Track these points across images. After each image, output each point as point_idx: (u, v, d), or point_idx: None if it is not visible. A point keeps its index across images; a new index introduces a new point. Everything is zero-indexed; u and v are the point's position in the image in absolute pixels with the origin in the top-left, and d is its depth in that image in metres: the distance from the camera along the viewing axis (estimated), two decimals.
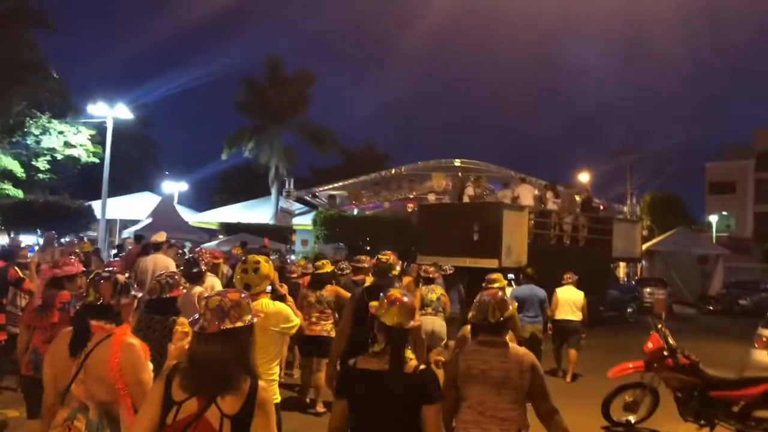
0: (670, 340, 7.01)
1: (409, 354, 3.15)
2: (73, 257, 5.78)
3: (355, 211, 28.10)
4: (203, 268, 6.13)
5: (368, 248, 25.63)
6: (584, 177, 31.88)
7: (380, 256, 5.43)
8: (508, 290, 9.36)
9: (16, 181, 31.17)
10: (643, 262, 28.05)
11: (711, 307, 23.93)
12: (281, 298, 4.43)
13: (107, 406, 3.05)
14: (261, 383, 2.42)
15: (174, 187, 47.39)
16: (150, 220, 23.61)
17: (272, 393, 2.68)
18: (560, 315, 9.96)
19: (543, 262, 15.19)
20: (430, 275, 8.99)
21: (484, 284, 6.72)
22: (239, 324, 2.36)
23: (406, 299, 3.14)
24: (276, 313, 3.99)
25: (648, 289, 22.10)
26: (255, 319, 2.44)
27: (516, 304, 3.99)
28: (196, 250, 7.55)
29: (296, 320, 4.13)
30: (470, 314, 3.69)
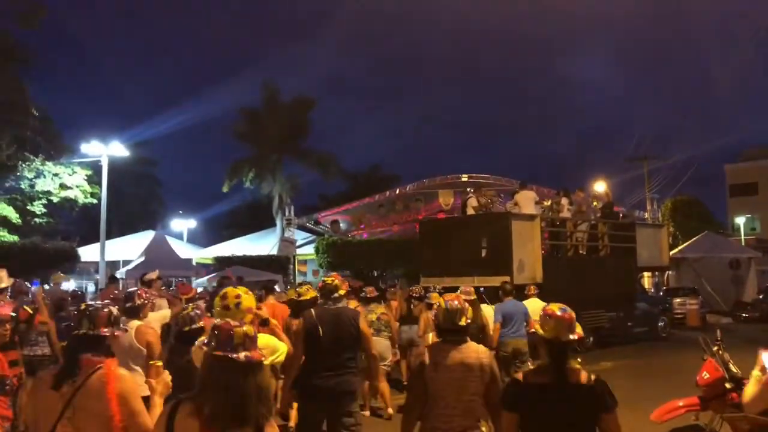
0: (733, 367, 5.32)
1: (575, 364, 3.22)
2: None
3: (365, 236, 26.83)
4: (139, 302, 5.68)
5: (375, 274, 24.33)
6: (600, 186, 30.39)
7: (325, 278, 5.44)
8: (487, 307, 9.10)
9: (11, 227, 30.24)
10: (670, 271, 26.44)
11: (746, 315, 22.13)
12: (265, 322, 4.82)
13: None
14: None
15: (183, 224, 46.71)
16: (143, 258, 22.56)
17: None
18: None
19: (560, 276, 13.81)
20: (368, 294, 9.76)
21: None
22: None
23: (560, 313, 3.24)
24: (264, 347, 3.45)
25: (678, 300, 20.48)
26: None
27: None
28: (132, 290, 6.55)
29: (282, 347, 4.29)
30: (439, 318, 3.99)
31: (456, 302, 3.96)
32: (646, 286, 25.02)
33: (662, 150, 34.00)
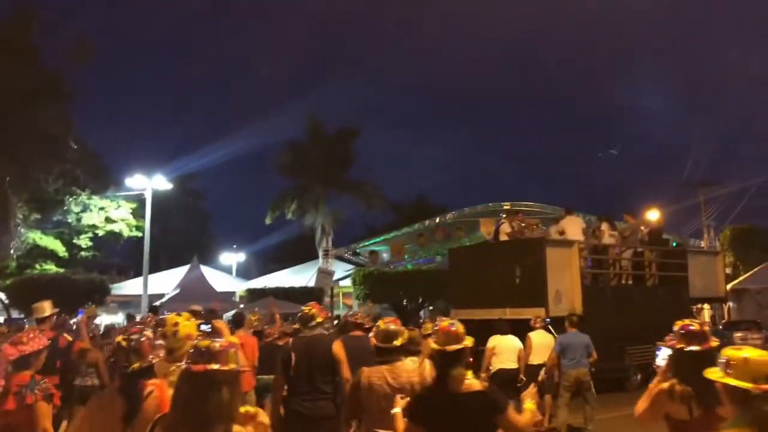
0: None
1: (468, 375, 3.48)
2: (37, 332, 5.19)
3: (409, 266, 26.14)
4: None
5: (415, 305, 23.53)
6: (653, 214, 28.97)
7: (304, 308, 5.62)
8: (538, 336, 10.01)
9: (58, 260, 30.72)
10: (730, 303, 24.73)
11: None
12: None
13: None
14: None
15: (232, 258, 46.94)
16: (177, 290, 22.44)
17: None
18: (535, 360, 9.83)
19: (603, 308, 12.77)
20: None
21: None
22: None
23: (447, 327, 3.61)
24: None
25: (739, 334, 18.84)
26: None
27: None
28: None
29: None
30: (377, 338, 4.43)
31: (392, 325, 4.48)
32: (706, 320, 23.44)
33: (721, 176, 32.28)
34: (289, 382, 5.27)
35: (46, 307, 7.85)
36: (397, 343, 4.36)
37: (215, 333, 5.01)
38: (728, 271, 29.92)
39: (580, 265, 12.97)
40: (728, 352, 2.63)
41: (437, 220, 24.93)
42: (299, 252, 43.40)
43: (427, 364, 4.14)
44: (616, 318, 12.60)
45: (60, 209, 29.68)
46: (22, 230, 24.68)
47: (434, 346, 3.54)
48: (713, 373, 2.65)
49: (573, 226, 13.46)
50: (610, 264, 14.39)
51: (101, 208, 31.44)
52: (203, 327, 11.06)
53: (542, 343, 9.90)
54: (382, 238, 26.04)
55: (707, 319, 23.57)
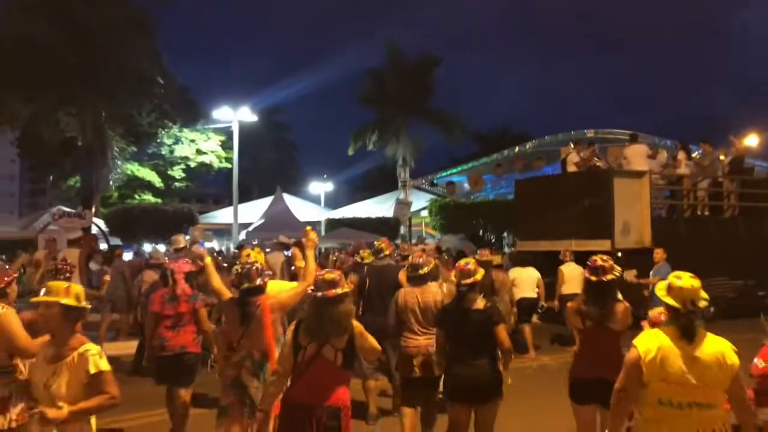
0: None
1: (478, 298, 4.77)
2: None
3: (492, 196, 25.96)
4: None
5: (492, 237, 23.52)
6: (753, 140, 27.21)
7: (375, 242, 7.56)
8: (569, 268, 10.49)
9: (155, 191, 32.49)
10: None
11: None
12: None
13: (263, 351, 4.56)
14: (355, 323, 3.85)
15: (320, 188, 48.05)
16: (263, 220, 23.32)
17: None
18: (567, 290, 10.17)
19: (675, 240, 12.38)
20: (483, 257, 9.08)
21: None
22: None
23: (463, 266, 4.85)
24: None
25: None
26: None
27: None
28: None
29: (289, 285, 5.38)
30: (406, 269, 5.91)
31: (420, 259, 5.83)
32: None
33: None
34: (363, 300, 6.70)
35: (181, 240, 9.55)
36: (422, 272, 5.60)
37: (292, 257, 6.33)
38: None
39: (651, 196, 12.58)
40: (671, 280, 3.32)
41: (516, 150, 24.42)
42: (383, 182, 43.87)
43: (445, 287, 5.68)
44: (687, 250, 12.20)
45: (154, 141, 31.18)
46: (119, 162, 26.15)
47: (453, 280, 4.87)
48: (660, 290, 3.36)
49: (636, 155, 12.98)
50: (684, 195, 13.86)
51: (192, 141, 32.80)
52: (286, 253, 11.93)
53: (573, 275, 10.07)
54: (459, 168, 25.84)
55: None
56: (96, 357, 3.30)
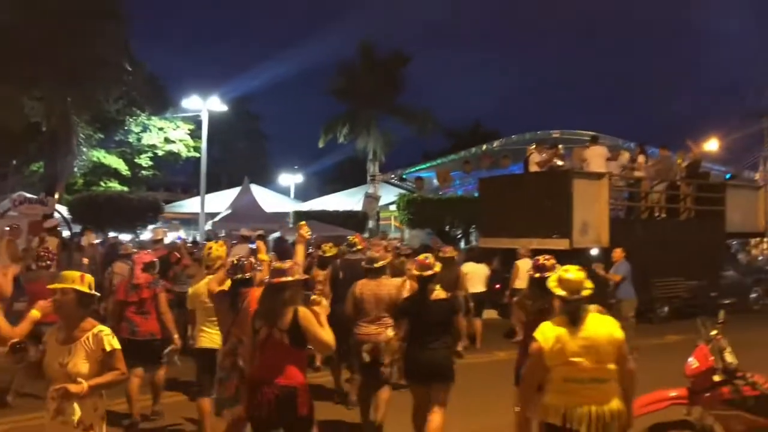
0: (729, 356, 4.54)
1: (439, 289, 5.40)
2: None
3: (460, 192, 26.17)
4: None
5: (458, 234, 23.77)
6: (713, 144, 27.91)
7: (349, 237, 8.02)
8: (525, 263, 10.07)
9: (122, 178, 32.10)
10: None
11: None
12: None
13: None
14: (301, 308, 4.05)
15: (290, 179, 47.79)
16: (229, 211, 23.22)
17: None
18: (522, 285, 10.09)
19: (632, 241, 12.66)
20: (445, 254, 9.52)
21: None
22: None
23: (422, 259, 5.50)
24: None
25: None
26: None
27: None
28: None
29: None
30: (364, 263, 6.15)
31: (377, 254, 6.25)
32: (757, 254, 22.90)
33: None
34: (334, 292, 7.16)
35: (160, 233, 10.65)
36: (377, 265, 5.95)
37: (257, 250, 6.44)
38: None
39: (610, 198, 12.90)
40: (561, 273, 3.77)
41: (484, 148, 24.68)
42: (353, 175, 43.88)
43: (408, 284, 5.89)
44: (643, 251, 12.53)
45: (121, 129, 30.82)
46: (85, 149, 25.80)
47: (415, 272, 5.42)
48: (552, 283, 3.78)
49: (595, 157, 13.30)
50: (642, 197, 14.23)
51: (160, 129, 32.45)
52: (251, 246, 12.17)
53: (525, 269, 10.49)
54: (428, 164, 26.03)
55: (759, 253, 22.96)
56: (109, 336, 3.66)
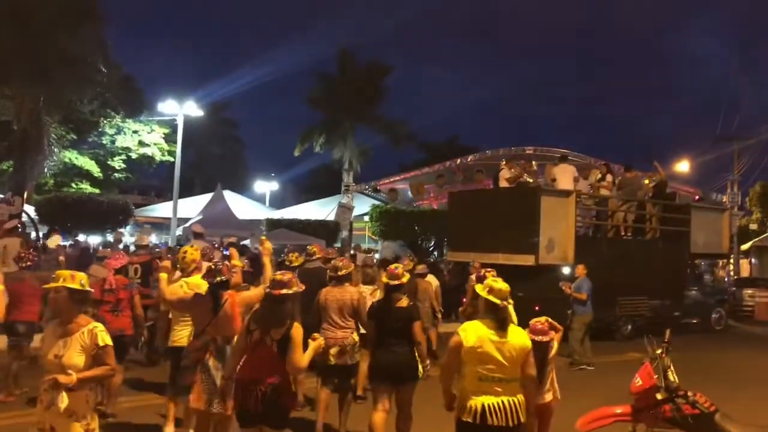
0: (671, 375, 4.72)
1: (403, 298, 5.73)
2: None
3: (435, 206, 26.23)
4: None
5: (430, 246, 23.84)
6: (684, 166, 28.35)
7: (308, 247, 8.87)
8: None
9: (93, 180, 31.72)
10: (753, 260, 24.41)
11: None
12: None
13: (226, 337, 4.98)
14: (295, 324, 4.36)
15: (266, 187, 47.58)
16: (200, 217, 23.06)
17: None
18: None
19: (597, 258, 12.81)
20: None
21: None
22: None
23: (392, 269, 5.86)
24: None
25: (749, 291, 18.84)
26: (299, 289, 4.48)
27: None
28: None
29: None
30: (329, 271, 6.68)
31: (341, 263, 6.51)
32: (721, 275, 23.28)
33: (756, 130, 30.95)
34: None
35: (144, 238, 10.90)
36: (341, 273, 6.33)
37: (230, 257, 6.43)
38: (754, 227, 29.43)
39: (576, 215, 13.03)
40: (490, 282, 4.11)
41: (458, 162, 24.78)
42: (328, 184, 43.80)
43: (378, 292, 6.57)
44: (608, 269, 12.69)
45: (95, 130, 30.39)
46: (56, 149, 25.45)
47: (384, 280, 5.77)
48: (480, 289, 4.13)
49: (564, 175, 13.45)
50: (608, 216, 14.40)
51: (135, 132, 32.15)
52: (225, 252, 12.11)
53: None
54: (401, 177, 26.07)
55: (725, 274, 23.36)
56: (103, 333, 3.86)
